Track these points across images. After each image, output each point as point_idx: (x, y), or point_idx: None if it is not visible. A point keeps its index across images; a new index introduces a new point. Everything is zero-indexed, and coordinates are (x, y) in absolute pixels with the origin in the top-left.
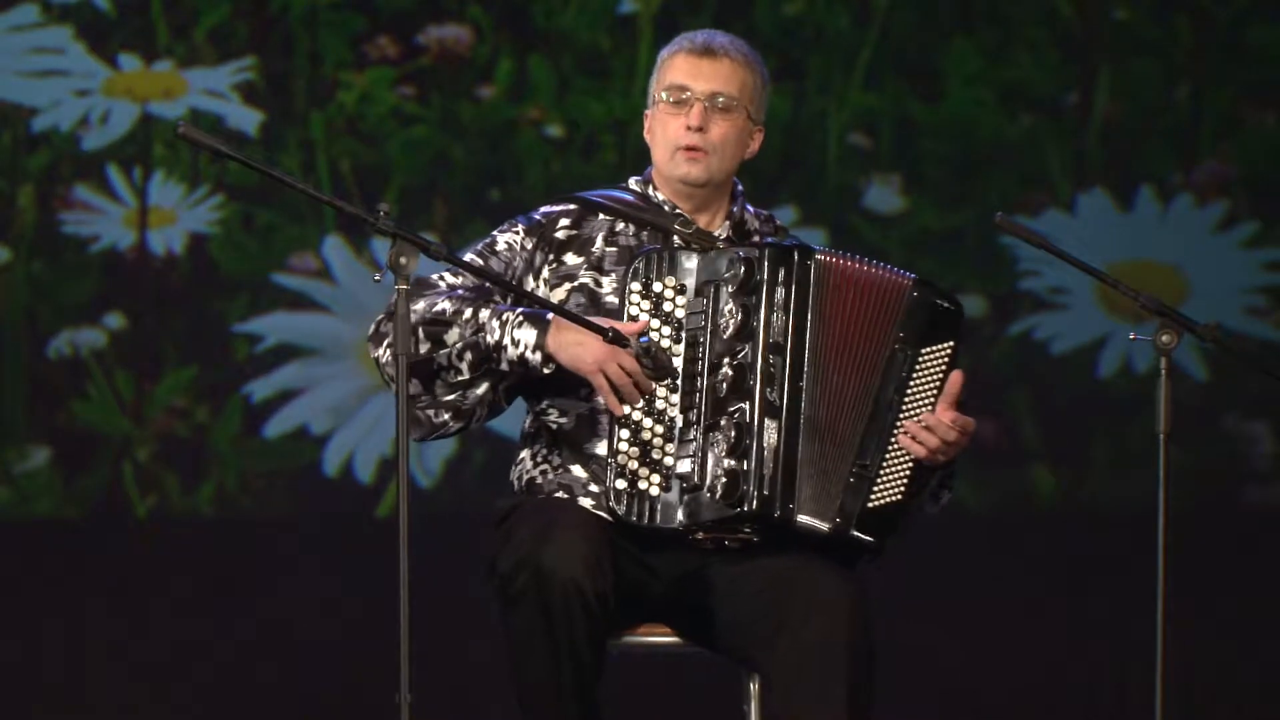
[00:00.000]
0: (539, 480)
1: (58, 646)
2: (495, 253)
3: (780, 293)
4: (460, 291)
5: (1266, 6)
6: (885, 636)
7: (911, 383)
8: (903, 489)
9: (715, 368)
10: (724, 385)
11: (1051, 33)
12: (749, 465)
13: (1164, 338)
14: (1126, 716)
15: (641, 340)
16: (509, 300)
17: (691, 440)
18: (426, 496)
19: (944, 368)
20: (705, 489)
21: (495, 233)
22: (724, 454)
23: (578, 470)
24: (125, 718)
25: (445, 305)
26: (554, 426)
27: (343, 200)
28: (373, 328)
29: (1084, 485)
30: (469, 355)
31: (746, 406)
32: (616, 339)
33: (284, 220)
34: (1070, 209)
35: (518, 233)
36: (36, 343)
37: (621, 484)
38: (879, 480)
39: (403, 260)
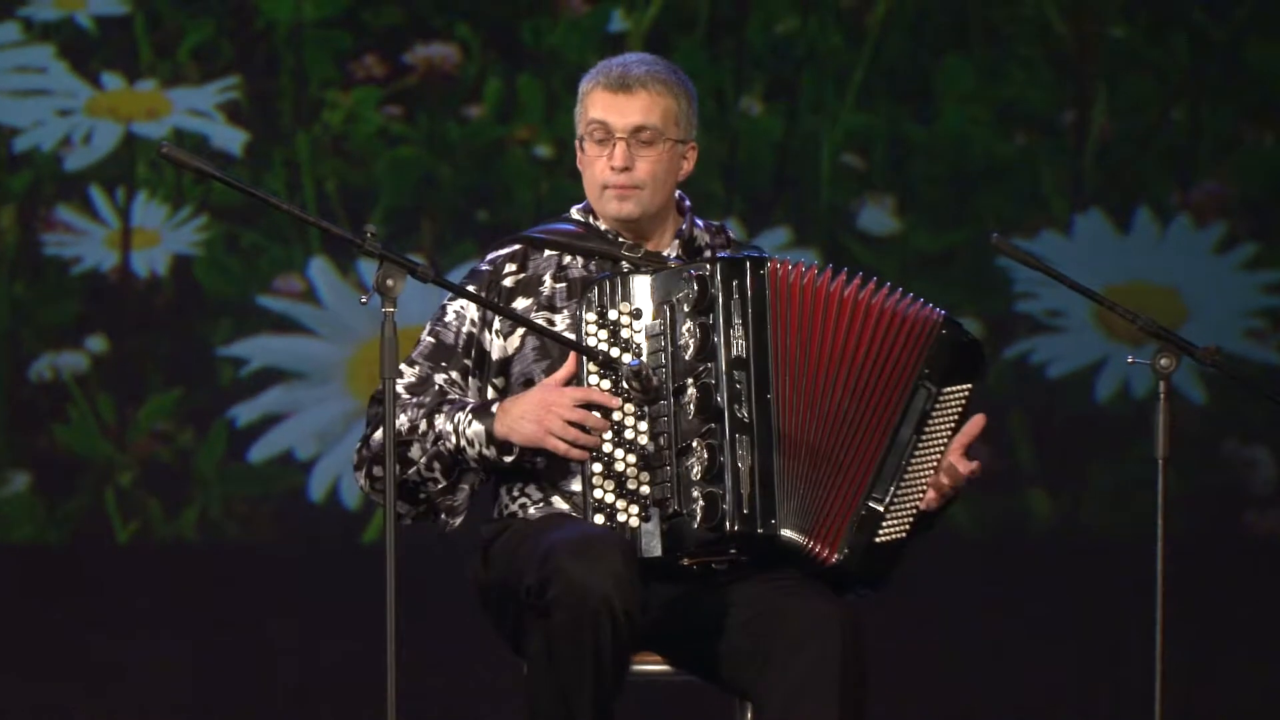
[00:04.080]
0: (520, 515)
1: (38, 673)
2: (445, 324)
3: (736, 305)
4: (413, 399)
5: (1264, 25)
6: (879, 661)
7: (930, 422)
8: (907, 528)
9: (680, 390)
10: (690, 406)
11: (1047, 51)
12: (725, 486)
13: (1162, 361)
14: None
15: (632, 364)
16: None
17: (665, 466)
18: (436, 533)
19: (960, 409)
20: (684, 515)
21: (446, 300)
22: (699, 477)
23: (559, 503)
24: None
25: (401, 422)
26: (529, 466)
27: (328, 221)
28: (355, 456)
29: (1081, 510)
30: (437, 465)
31: (716, 426)
32: (606, 363)
33: (269, 242)
34: (1067, 230)
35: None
36: (17, 366)
37: (600, 519)
38: (888, 517)
39: (389, 282)
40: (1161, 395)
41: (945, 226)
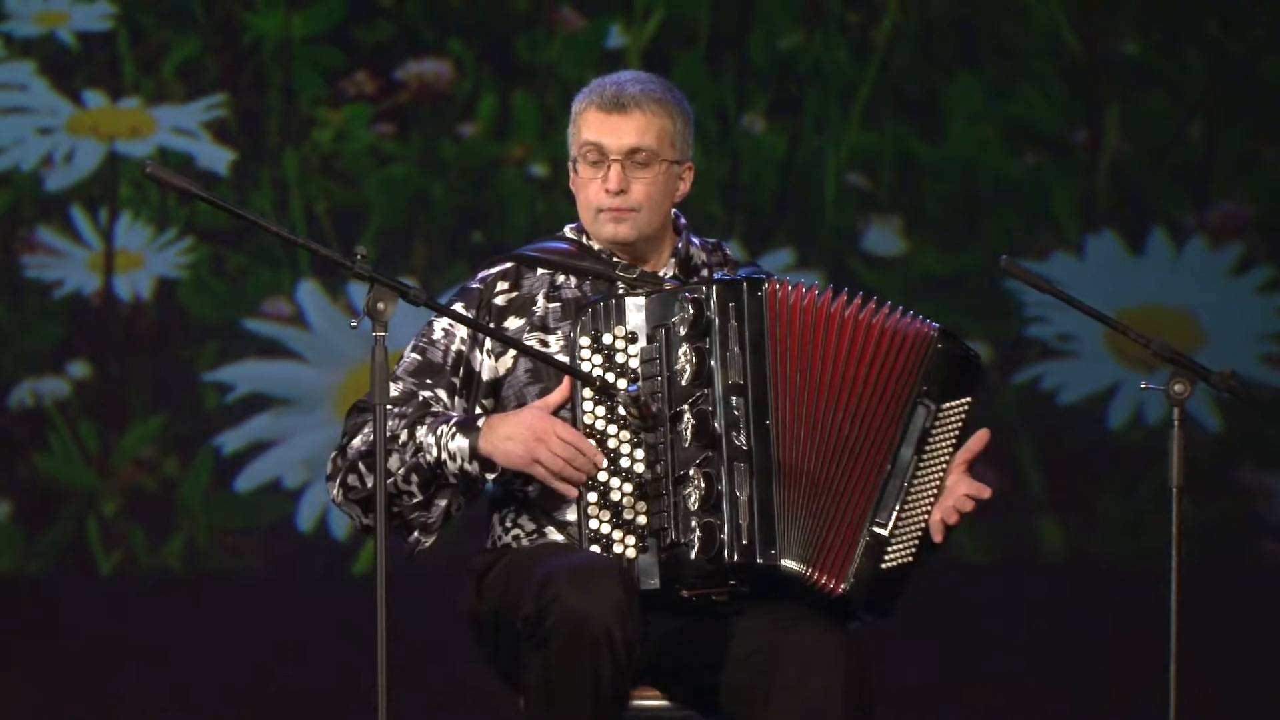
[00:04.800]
0: (514, 546)
1: (18, 706)
2: (432, 342)
3: (733, 329)
4: (395, 410)
5: None
6: (884, 694)
7: (930, 441)
8: (913, 553)
9: (676, 417)
10: (687, 433)
11: (1058, 67)
12: (724, 516)
13: (1177, 387)
14: None
15: (630, 389)
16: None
17: (662, 495)
18: (404, 553)
19: (960, 424)
20: (682, 545)
21: (434, 316)
22: (696, 507)
23: (553, 534)
24: None
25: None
26: (520, 495)
27: (318, 243)
28: (329, 465)
29: (1093, 540)
30: (415, 477)
31: (713, 454)
32: (604, 389)
33: (256, 264)
34: (1078, 252)
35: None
36: None
37: (596, 550)
38: (893, 542)
39: (380, 306)
40: (1176, 422)
41: (953, 248)
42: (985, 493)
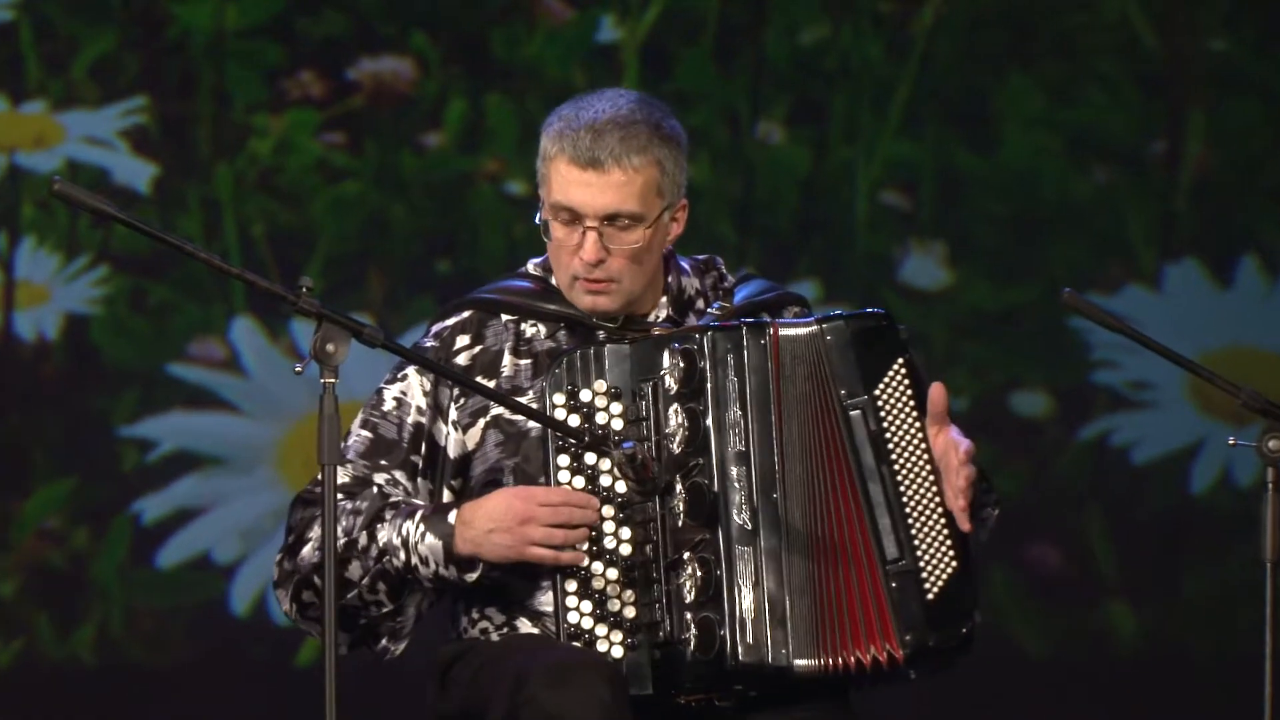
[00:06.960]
0: (481, 639)
1: None
2: (384, 415)
3: (733, 386)
4: (348, 505)
5: None
6: None
7: (888, 435)
8: (953, 557)
9: (668, 490)
10: (680, 510)
11: (1131, 67)
12: (724, 610)
13: (1271, 443)
14: None
15: (625, 445)
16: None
17: (653, 583)
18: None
19: (908, 393)
20: (677, 643)
21: (383, 384)
22: (692, 598)
23: (526, 626)
24: None
25: (336, 535)
26: (488, 582)
27: (255, 273)
28: (275, 571)
29: (1173, 625)
30: (382, 585)
31: (710, 535)
32: (595, 444)
33: (183, 298)
34: (1155, 284)
35: (404, 376)
36: None
37: (577, 646)
38: (924, 565)
39: (329, 347)
40: (1270, 485)
41: (1007, 279)
42: (963, 446)
